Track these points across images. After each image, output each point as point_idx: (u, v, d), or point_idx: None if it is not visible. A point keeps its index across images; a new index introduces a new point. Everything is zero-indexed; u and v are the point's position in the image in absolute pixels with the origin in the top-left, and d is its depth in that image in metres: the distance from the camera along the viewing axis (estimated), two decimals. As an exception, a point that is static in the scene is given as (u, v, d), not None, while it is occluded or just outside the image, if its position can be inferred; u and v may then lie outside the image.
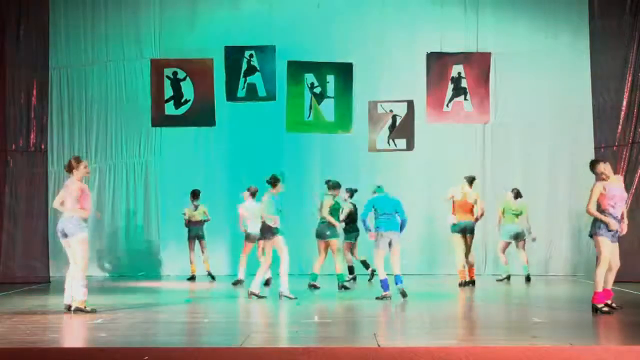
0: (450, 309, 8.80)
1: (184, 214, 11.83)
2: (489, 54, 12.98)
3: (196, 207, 11.83)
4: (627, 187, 11.67)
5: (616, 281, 8.20)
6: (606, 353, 5.65)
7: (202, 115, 13.01)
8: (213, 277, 11.81)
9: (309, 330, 6.91)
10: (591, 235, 7.82)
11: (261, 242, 9.46)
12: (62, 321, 7.37)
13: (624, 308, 7.93)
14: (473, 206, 10.54)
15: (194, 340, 6.57)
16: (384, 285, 8.99)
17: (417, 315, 7.89)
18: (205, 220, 11.88)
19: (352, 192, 11.10)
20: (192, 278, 11.79)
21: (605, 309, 7.67)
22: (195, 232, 11.82)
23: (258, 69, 13.03)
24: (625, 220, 7.87)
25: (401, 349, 5.76)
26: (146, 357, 5.42)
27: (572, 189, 12.70)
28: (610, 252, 7.68)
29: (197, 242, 11.86)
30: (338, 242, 10.27)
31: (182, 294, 10.30)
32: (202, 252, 11.90)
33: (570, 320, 7.51)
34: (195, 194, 11.86)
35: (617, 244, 7.80)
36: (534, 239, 11.59)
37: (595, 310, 7.64)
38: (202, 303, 9.28)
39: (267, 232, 9.11)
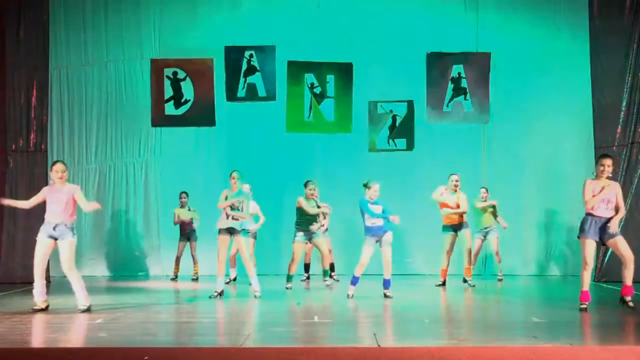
0: (450, 309, 8.80)
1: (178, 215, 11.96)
2: (489, 54, 12.98)
3: (186, 207, 11.91)
4: (627, 187, 11.70)
5: (616, 281, 8.22)
6: (606, 353, 5.65)
7: (202, 115, 13.02)
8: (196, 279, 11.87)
9: (309, 330, 6.91)
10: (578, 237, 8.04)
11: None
12: (62, 321, 7.38)
13: (624, 308, 7.93)
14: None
15: (194, 340, 6.57)
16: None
17: (417, 315, 7.89)
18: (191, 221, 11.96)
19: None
20: (175, 279, 11.85)
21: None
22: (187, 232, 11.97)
23: (258, 69, 13.04)
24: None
25: (401, 349, 5.76)
26: (146, 357, 5.43)
27: (572, 188, 12.69)
28: (590, 252, 7.78)
29: (187, 243, 11.97)
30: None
31: (182, 294, 10.31)
32: (193, 254, 12.00)
33: (570, 320, 7.51)
34: (186, 194, 11.94)
35: (614, 239, 7.81)
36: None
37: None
38: (202, 303, 9.27)
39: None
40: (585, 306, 7.88)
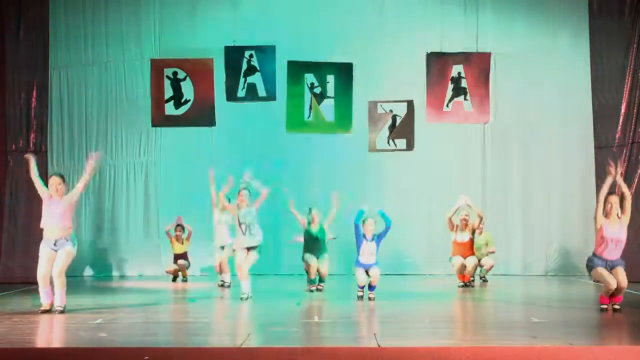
0: (450, 309, 8.80)
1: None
2: (489, 54, 12.98)
3: (180, 240, 11.79)
4: (627, 187, 11.68)
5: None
6: (606, 353, 5.65)
7: (202, 115, 13.02)
8: (185, 280, 11.78)
9: (309, 330, 6.91)
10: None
11: None
12: (61, 321, 7.37)
13: (624, 308, 7.93)
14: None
15: (194, 340, 6.56)
16: None
17: (417, 315, 7.89)
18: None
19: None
20: (175, 278, 11.81)
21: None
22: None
23: (258, 69, 13.03)
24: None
25: (401, 349, 5.76)
26: (146, 357, 5.43)
27: (572, 188, 12.71)
28: (607, 277, 7.79)
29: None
30: None
31: (182, 294, 10.31)
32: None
33: (570, 320, 7.51)
34: (182, 227, 11.80)
35: (617, 269, 7.85)
36: None
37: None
38: (202, 303, 9.28)
39: None
40: (606, 307, 7.88)
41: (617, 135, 11.59)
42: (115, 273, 12.92)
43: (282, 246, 12.48)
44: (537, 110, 12.88)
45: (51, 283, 8.01)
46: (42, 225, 7.86)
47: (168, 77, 13.05)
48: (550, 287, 11.31)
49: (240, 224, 9.13)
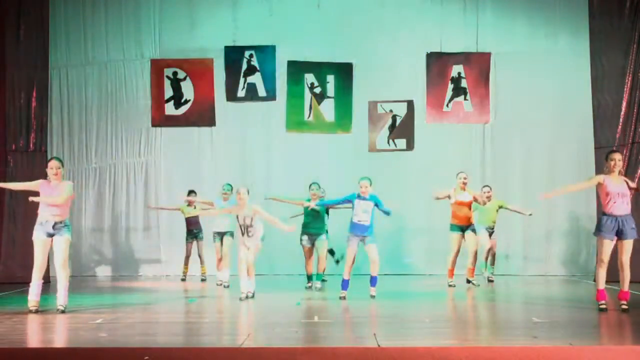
0: (450, 309, 8.80)
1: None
2: (489, 54, 12.98)
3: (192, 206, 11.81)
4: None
5: (614, 281, 8.23)
6: (606, 353, 5.66)
7: (202, 115, 13.04)
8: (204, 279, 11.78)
9: (309, 330, 6.91)
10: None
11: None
12: (61, 321, 7.37)
13: (620, 312, 7.93)
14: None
15: (194, 340, 6.57)
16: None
17: (417, 315, 7.89)
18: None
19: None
20: (184, 279, 11.79)
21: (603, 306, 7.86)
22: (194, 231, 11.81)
23: (258, 69, 13.04)
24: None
25: (401, 349, 5.76)
26: (146, 357, 5.43)
27: (572, 189, 12.70)
28: (606, 250, 7.76)
29: (194, 242, 11.80)
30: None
31: (182, 294, 10.31)
32: (200, 254, 11.81)
33: (570, 320, 7.51)
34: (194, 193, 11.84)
35: (624, 241, 7.84)
36: None
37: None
38: (202, 303, 9.28)
39: None
40: (604, 305, 7.87)
41: (617, 135, 11.55)
42: (115, 273, 12.91)
43: (281, 246, 12.46)
44: (537, 110, 12.89)
45: (46, 281, 8.04)
46: (43, 202, 7.88)
47: (168, 77, 13.06)
48: (550, 287, 11.31)
49: (240, 225, 9.15)
